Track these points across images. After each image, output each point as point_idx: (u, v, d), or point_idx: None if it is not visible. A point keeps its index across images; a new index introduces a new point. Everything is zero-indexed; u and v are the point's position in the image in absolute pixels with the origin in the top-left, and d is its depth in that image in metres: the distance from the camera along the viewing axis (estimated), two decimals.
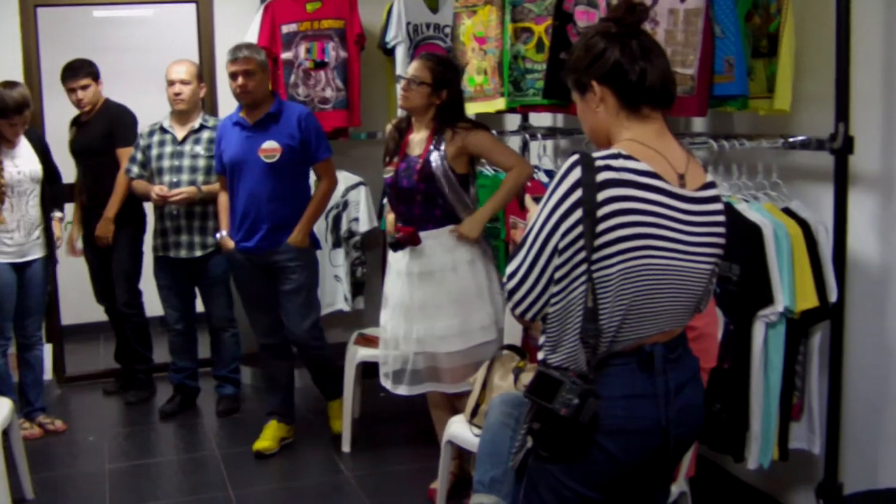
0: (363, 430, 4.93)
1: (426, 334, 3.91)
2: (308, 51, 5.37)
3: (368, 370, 5.01)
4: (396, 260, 4.01)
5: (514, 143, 5.26)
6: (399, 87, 3.94)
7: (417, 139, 3.93)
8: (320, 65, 5.44)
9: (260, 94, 4.52)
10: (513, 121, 5.35)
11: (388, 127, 4.13)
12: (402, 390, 4.06)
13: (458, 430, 3.65)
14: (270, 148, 4.48)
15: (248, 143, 4.52)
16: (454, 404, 4.01)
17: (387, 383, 4.10)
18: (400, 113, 5.06)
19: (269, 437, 4.73)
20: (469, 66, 4.56)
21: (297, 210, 4.60)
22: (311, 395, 5.18)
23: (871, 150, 3.25)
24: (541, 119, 5.17)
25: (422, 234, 3.89)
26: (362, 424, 5.02)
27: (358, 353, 4.78)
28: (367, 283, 5.79)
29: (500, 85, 4.43)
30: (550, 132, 4.96)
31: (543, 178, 4.46)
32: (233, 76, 4.47)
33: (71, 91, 5.29)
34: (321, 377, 4.91)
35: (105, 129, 5.34)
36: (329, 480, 4.44)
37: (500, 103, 4.46)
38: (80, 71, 5.29)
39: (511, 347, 3.74)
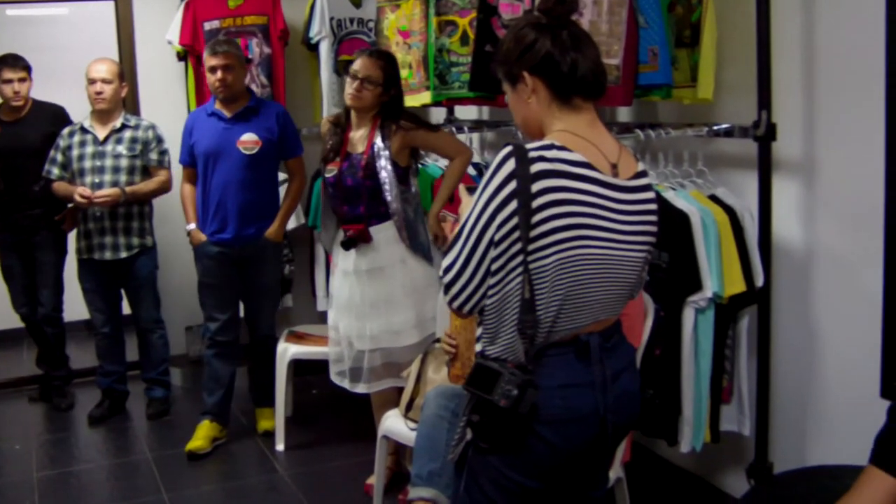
0: (296, 428, 4.90)
1: (380, 331, 3.91)
2: None
3: (299, 368, 4.99)
4: (343, 259, 3.99)
5: None
6: (350, 86, 3.87)
7: (358, 136, 3.92)
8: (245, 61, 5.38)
9: (237, 87, 4.58)
10: (438, 114, 5.35)
11: (324, 125, 4.10)
12: (361, 388, 4.05)
13: (394, 424, 3.65)
14: (251, 140, 4.56)
15: (226, 135, 4.56)
16: None
17: (343, 382, 4.08)
18: (327, 109, 5.05)
19: (201, 436, 4.68)
20: None
21: (269, 203, 4.72)
22: (241, 394, 5.12)
23: (792, 137, 3.32)
24: (467, 112, 5.18)
25: (373, 229, 3.90)
26: (295, 422, 4.98)
27: (289, 351, 4.74)
28: (294, 281, 5.74)
29: (426, 79, 4.43)
30: (477, 125, 4.97)
31: (471, 170, 4.47)
32: (212, 70, 4.50)
33: (7, 82, 5.11)
34: (265, 378, 4.85)
35: (50, 130, 5.15)
36: (264, 480, 4.40)
37: (425, 97, 4.46)
38: (17, 62, 5.14)
39: None
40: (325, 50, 5.42)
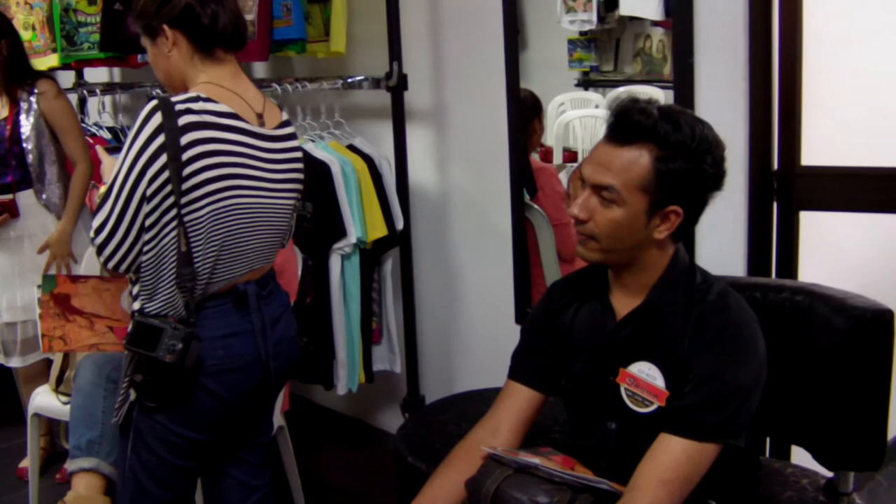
0: None
1: (31, 300, 3.70)
2: None
3: None
4: None
5: (71, 100, 5.03)
6: None
7: (0, 102, 3.69)
8: None
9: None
10: (67, 78, 5.09)
11: None
12: (15, 362, 3.85)
13: (44, 400, 3.49)
14: None
15: None
16: None
17: None
18: None
19: None
20: (14, 21, 4.28)
21: None
22: None
23: (423, 87, 3.51)
24: (97, 74, 4.99)
25: (18, 195, 3.69)
26: None
27: None
28: None
29: (52, 40, 4.22)
30: (109, 87, 4.80)
31: (106, 134, 4.34)
32: None
33: None
34: None
35: None
36: None
37: (52, 59, 4.25)
38: None
39: None
40: None
